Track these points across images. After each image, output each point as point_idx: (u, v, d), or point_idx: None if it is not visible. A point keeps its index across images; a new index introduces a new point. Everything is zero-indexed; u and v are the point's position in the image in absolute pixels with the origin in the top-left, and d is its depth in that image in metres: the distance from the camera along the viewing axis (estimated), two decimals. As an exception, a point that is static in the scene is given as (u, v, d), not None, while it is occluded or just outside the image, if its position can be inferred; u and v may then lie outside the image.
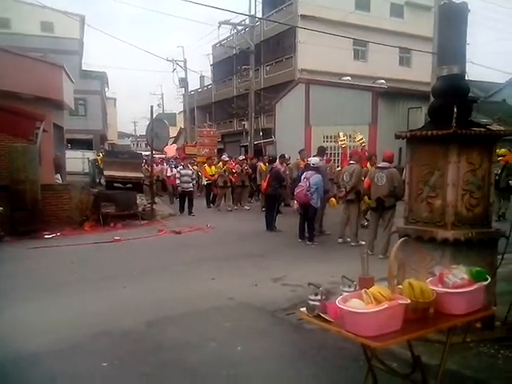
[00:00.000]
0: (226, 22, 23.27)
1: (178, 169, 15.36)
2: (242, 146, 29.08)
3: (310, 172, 9.29)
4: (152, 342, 4.44)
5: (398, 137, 4.29)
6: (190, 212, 14.37)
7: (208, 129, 25.82)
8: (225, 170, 15.45)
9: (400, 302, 2.29)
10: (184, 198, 14.52)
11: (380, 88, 20.28)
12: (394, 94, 19.76)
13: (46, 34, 31.99)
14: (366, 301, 2.30)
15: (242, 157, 18.18)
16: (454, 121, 3.86)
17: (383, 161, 8.21)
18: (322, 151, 10.55)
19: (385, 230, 7.95)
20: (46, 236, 10.32)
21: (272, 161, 11.94)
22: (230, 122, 35.72)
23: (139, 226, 12.04)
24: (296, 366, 3.92)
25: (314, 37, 23.04)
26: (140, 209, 13.36)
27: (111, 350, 4.24)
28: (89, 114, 34.87)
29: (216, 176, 15.67)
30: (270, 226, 10.94)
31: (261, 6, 31.57)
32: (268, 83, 30.84)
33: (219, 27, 23.89)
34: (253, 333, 4.67)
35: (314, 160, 9.68)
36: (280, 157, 13.69)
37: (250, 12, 24.81)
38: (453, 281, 2.55)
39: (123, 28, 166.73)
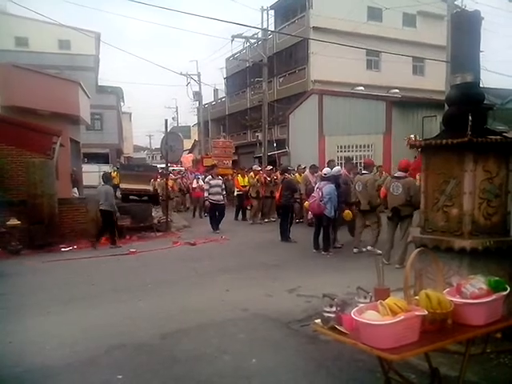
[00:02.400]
0: (239, 36, 23.48)
1: (207, 179, 13.23)
2: (256, 157, 29.12)
3: (322, 182, 9.36)
4: (166, 354, 4.42)
5: (412, 146, 4.25)
6: (214, 227, 12.83)
7: (223, 140, 25.60)
8: (258, 180, 14.74)
9: (417, 313, 2.25)
10: (215, 212, 12.94)
11: (394, 97, 20.19)
12: (408, 103, 19.66)
13: (63, 52, 32.74)
14: (382, 312, 2.25)
15: (269, 167, 17.25)
16: (468, 129, 3.80)
17: (399, 170, 8.13)
18: (347, 162, 10.92)
19: (401, 239, 7.86)
20: (63, 249, 10.45)
21: (285, 171, 11.92)
22: (244, 133, 35.88)
23: (154, 238, 12.11)
24: (311, 379, 3.86)
25: (326, 48, 23.11)
26: (155, 221, 13.45)
27: (125, 363, 4.23)
28: (105, 129, 35.41)
29: (248, 187, 15.08)
30: (285, 236, 10.90)
31: (273, 19, 31.88)
32: (281, 95, 30.96)
33: (232, 41, 24.15)
34: (268, 344, 4.61)
35: (326, 170, 9.74)
36: (310, 167, 13.46)
37: (262, 25, 25.05)
38: (471, 291, 2.49)
39: (137, 44, 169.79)
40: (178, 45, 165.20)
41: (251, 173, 15.43)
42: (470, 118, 3.81)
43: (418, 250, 2.62)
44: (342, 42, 19.18)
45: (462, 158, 3.95)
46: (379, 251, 8.82)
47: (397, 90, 23.01)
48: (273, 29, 29.81)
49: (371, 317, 2.25)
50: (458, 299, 2.51)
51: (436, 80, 27.32)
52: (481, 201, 3.99)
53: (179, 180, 19.92)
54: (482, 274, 3.68)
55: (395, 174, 8.10)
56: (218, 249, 10.54)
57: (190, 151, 43.13)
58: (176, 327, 5.11)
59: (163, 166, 22.82)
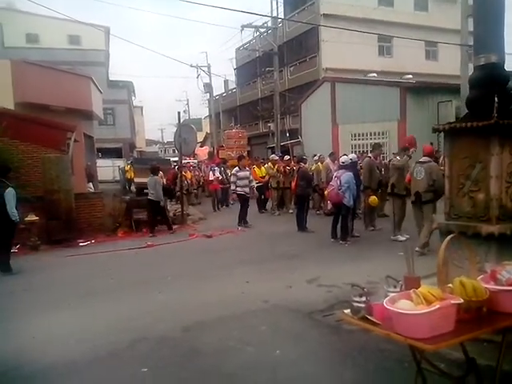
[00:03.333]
0: (249, 25, 23.28)
1: (234, 170, 12.47)
2: (269, 147, 29.00)
3: (340, 171, 9.30)
4: (189, 347, 4.40)
5: (435, 130, 4.14)
6: (242, 221, 12.17)
7: (236, 130, 25.11)
8: (277, 170, 14.28)
9: (452, 301, 2.17)
10: (246, 204, 12.32)
11: (408, 83, 19.86)
12: (423, 89, 19.30)
13: (73, 47, 32.83)
14: (416, 301, 2.18)
15: (276, 156, 16.59)
16: (495, 111, 3.68)
17: (424, 155, 8.05)
18: (376, 148, 11.17)
19: (424, 223, 7.77)
20: (81, 244, 10.52)
21: (300, 161, 11.78)
22: (256, 124, 35.71)
23: (171, 231, 12.12)
24: (337, 369, 3.81)
25: (337, 35, 22.81)
26: (171, 214, 13.46)
27: (149, 356, 4.22)
28: (117, 123, 35.55)
29: (267, 177, 14.71)
30: (301, 226, 10.82)
31: (282, 7, 31.55)
32: (292, 84, 30.69)
33: (242, 30, 23.93)
34: (290, 336, 4.57)
35: (343, 158, 9.74)
36: (330, 154, 13.49)
37: (272, 14, 24.77)
38: (506, 277, 2.40)
39: (147, 37, 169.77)
40: (187, 37, 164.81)
41: (269, 163, 15.01)
42: (496, 99, 3.68)
43: (450, 236, 2.53)
44: (353, 28, 18.87)
45: (487, 141, 3.83)
46: (402, 238, 8.81)
47: (410, 76, 22.61)
48: (282, 17, 29.50)
49: (405, 306, 2.18)
50: (493, 286, 2.42)
51: (450, 64, 26.80)
52: (508, 185, 3.88)
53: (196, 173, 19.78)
54: (511, 259, 3.61)
55: (420, 159, 7.99)
56: (234, 240, 10.52)
57: (202, 144, 43.15)
58: (197, 320, 5.09)
59: (176, 159, 22.81)
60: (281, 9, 31.25)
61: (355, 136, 20.69)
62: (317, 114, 23.10)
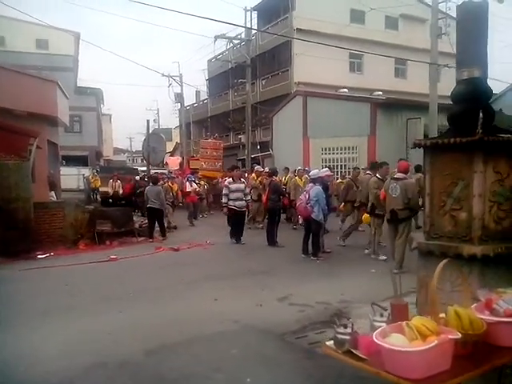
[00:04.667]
0: (223, 36, 23.10)
1: (226, 182, 11.49)
2: (239, 159, 28.74)
3: (310, 185, 9.22)
4: (152, 373, 4.04)
5: (416, 145, 3.97)
6: (234, 237, 11.19)
7: (212, 140, 24.29)
8: (260, 182, 13.45)
9: (450, 336, 1.93)
10: (238, 221, 11.27)
11: (378, 99, 20.09)
12: (393, 105, 19.54)
13: (40, 52, 31.88)
14: (410, 336, 1.93)
15: (261, 168, 15.57)
16: (479, 127, 3.53)
17: (398, 172, 7.91)
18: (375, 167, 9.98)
19: (397, 241, 7.63)
20: (39, 256, 9.90)
21: (272, 174, 11.58)
22: (227, 135, 35.45)
23: (136, 244, 11.65)
24: (313, 400, 3.53)
25: (309, 50, 22.93)
26: (137, 225, 12.98)
27: (107, 385, 3.84)
28: (84, 131, 34.57)
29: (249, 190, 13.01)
30: (272, 241, 10.57)
31: (256, 20, 31.62)
32: (264, 97, 30.68)
33: (215, 41, 23.68)
34: (262, 360, 4.27)
35: (312, 173, 9.74)
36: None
37: (246, 25, 24.68)
38: (504, 308, 2.20)
39: (118, 44, 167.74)
40: (160, 45, 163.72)
41: (253, 174, 14.43)
42: (480, 114, 3.54)
43: (445, 261, 2.31)
44: (325, 44, 18.98)
45: (471, 158, 3.67)
46: (383, 257, 8.67)
47: (380, 93, 22.89)
48: (256, 29, 29.53)
49: (397, 341, 1.93)
50: (489, 317, 2.21)
51: (418, 83, 27.45)
52: (491, 204, 3.72)
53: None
54: (494, 282, 3.45)
55: (395, 176, 7.86)
56: (203, 254, 10.16)
57: (172, 153, 42.50)
58: (161, 342, 4.72)
59: (144, 168, 22.22)
60: (254, 21, 31.33)
61: (326, 150, 20.73)
62: (288, 127, 23.07)
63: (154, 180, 13.07)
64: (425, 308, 3.44)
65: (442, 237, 3.93)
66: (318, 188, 9.02)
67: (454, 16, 6.50)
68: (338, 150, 20.36)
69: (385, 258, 8.62)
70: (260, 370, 4.04)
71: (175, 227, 14.32)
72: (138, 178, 20.40)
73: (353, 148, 19.93)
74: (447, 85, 6.39)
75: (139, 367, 4.18)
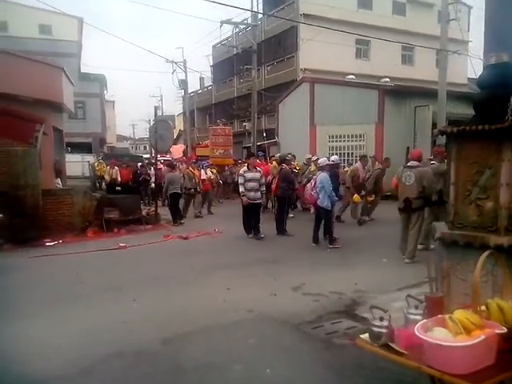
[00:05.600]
0: (228, 21, 22.80)
1: (242, 171, 10.72)
2: (245, 147, 28.59)
3: (318, 172, 9.27)
4: (170, 363, 4.00)
5: (442, 133, 3.86)
6: (258, 232, 10.32)
7: (223, 127, 23.98)
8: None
9: (497, 331, 1.86)
10: (252, 213, 10.40)
11: (387, 86, 19.82)
12: (401, 93, 19.28)
13: (44, 37, 31.62)
14: (454, 330, 1.86)
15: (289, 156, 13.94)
16: (509, 113, 3.42)
17: (412, 159, 7.80)
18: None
19: (410, 231, 7.52)
20: (48, 244, 9.86)
21: (282, 161, 11.40)
22: (231, 123, 35.25)
23: (144, 232, 11.60)
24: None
25: (316, 35, 22.65)
26: (144, 213, 12.93)
27: (125, 374, 3.81)
28: (88, 117, 34.43)
29: (271, 178, 12.49)
30: (281, 229, 10.49)
31: (261, 5, 31.21)
32: (269, 83, 30.42)
33: (221, 26, 23.42)
34: (280, 351, 4.22)
35: (320, 160, 9.91)
36: (361, 158, 13.40)
37: (252, 10, 24.35)
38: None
39: (122, 30, 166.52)
40: (164, 32, 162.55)
41: (274, 162, 13.63)
42: (511, 101, 3.42)
43: (487, 252, 2.22)
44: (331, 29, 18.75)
45: (499, 146, 3.56)
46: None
47: (388, 79, 22.62)
48: (261, 15, 29.14)
49: (441, 335, 1.86)
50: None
51: (425, 69, 27.18)
52: (519, 193, 3.62)
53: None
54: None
55: (408, 164, 7.74)
56: (212, 243, 10.10)
57: (175, 141, 42.31)
58: (178, 331, 4.68)
59: (147, 156, 21.98)
60: (260, 7, 30.94)
61: (333, 138, 20.52)
62: (294, 114, 22.84)
63: (171, 165, 13.55)
64: (448, 299, 3.38)
65: (466, 226, 3.83)
66: (324, 174, 8.97)
67: (464, 1, 6.39)
68: (345, 137, 20.14)
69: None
70: (279, 361, 3.99)
71: (201, 214, 14.31)
72: (139, 164, 20.44)
73: (360, 136, 19.71)
74: (456, 72, 6.28)
75: (157, 356, 4.14)
